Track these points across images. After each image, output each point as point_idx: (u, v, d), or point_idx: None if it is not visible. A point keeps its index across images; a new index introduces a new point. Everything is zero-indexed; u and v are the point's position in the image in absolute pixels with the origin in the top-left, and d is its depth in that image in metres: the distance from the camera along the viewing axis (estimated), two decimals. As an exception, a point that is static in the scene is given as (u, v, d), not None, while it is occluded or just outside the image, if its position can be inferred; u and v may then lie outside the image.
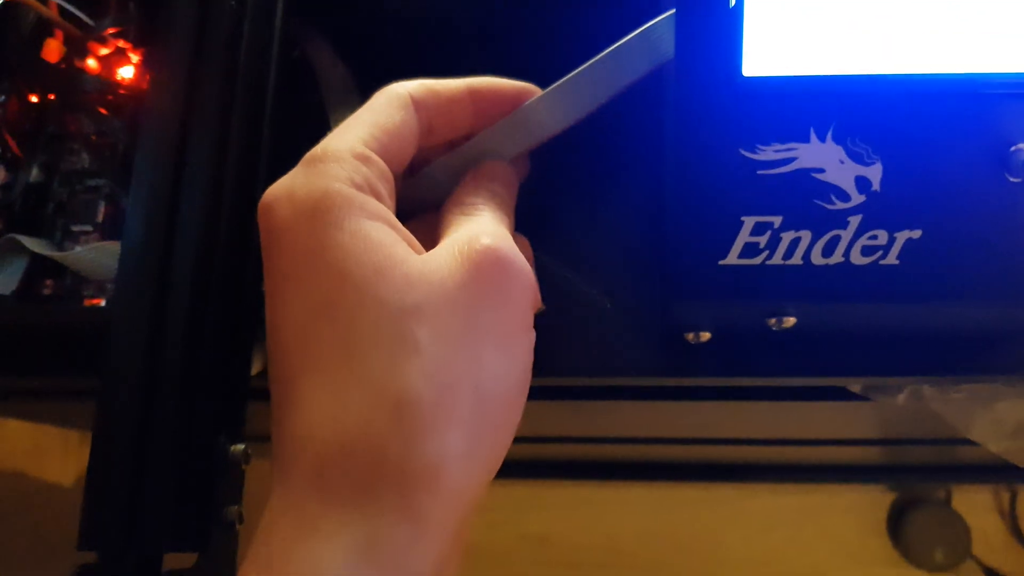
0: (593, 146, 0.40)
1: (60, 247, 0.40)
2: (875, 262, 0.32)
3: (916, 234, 0.32)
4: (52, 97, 0.43)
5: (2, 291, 0.38)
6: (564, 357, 0.39)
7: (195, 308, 0.33)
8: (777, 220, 0.32)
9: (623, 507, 0.97)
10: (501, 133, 0.34)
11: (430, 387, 0.26)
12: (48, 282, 0.40)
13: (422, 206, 0.33)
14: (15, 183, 0.41)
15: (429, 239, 0.30)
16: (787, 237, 0.32)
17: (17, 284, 0.39)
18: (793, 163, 0.32)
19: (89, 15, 0.42)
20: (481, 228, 0.30)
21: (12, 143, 0.42)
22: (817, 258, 0.32)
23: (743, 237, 0.32)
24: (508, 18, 0.44)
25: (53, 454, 0.88)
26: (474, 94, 0.33)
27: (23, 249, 0.39)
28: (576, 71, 0.33)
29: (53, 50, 0.42)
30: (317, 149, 0.29)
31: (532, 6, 0.44)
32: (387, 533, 0.25)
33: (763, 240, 0.32)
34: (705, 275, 0.32)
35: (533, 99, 0.34)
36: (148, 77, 0.42)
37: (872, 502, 0.96)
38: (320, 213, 0.27)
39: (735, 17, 0.32)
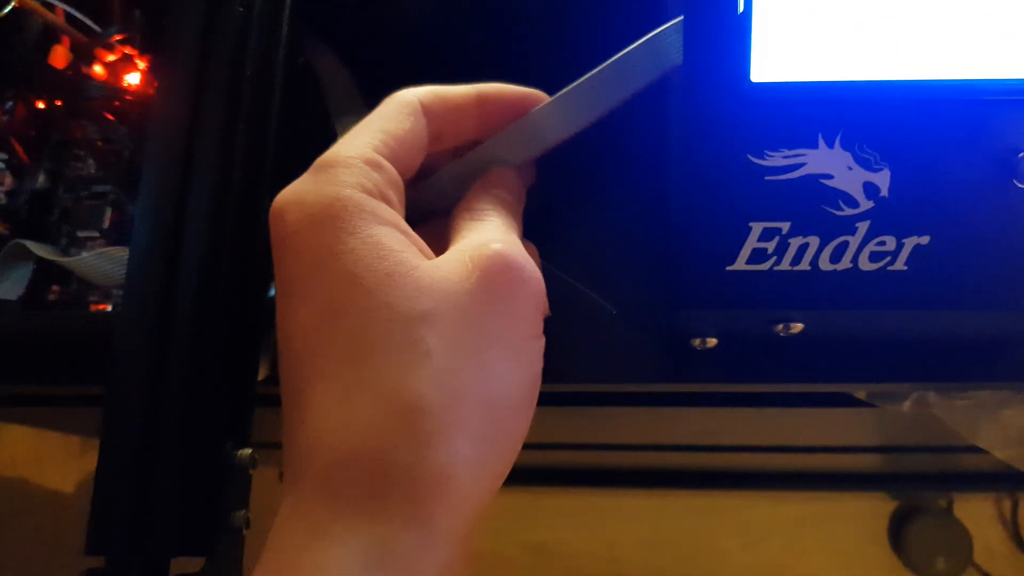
0: (599, 152, 0.40)
1: (66, 253, 0.40)
2: (883, 268, 0.32)
3: (924, 240, 0.32)
4: (58, 103, 0.43)
5: (8, 296, 0.38)
6: (569, 363, 0.39)
7: (201, 314, 0.33)
8: (785, 226, 0.32)
9: (623, 515, 0.97)
10: (508, 140, 0.34)
11: (440, 394, 0.26)
12: (54, 288, 0.40)
13: (430, 213, 0.33)
14: (21, 189, 0.41)
15: (438, 245, 0.30)
16: (795, 243, 0.32)
17: (23, 290, 0.39)
18: (801, 169, 0.32)
19: (95, 22, 0.42)
20: (491, 234, 0.30)
21: (19, 149, 0.42)
22: (825, 264, 0.32)
23: (751, 243, 0.32)
24: (513, 25, 0.44)
25: (55, 461, 0.88)
26: (482, 100, 0.33)
27: (29, 255, 0.39)
28: (584, 77, 0.33)
29: (60, 56, 0.42)
30: (327, 155, 0.29)
31: (537, 13, 0.44)
32: (396, 539, 0.25)
33: (771, 246, 0.32)
34: (713, 281, 0.32)
35: (541, 106, 0.34)
36: (154, 84, 0.42)
37: (873, 510, 0.96)
38: (331, 219, 0.27)
39: (743, 23, 0.32)
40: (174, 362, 0.32)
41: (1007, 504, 0.94)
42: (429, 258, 0.29)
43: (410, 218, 0.30)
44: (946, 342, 0.37)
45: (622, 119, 0.35)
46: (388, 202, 0.29)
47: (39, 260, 0.39)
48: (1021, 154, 0.31)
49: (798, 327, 0.34)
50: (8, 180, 0.42)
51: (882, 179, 0.32)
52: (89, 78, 0.42)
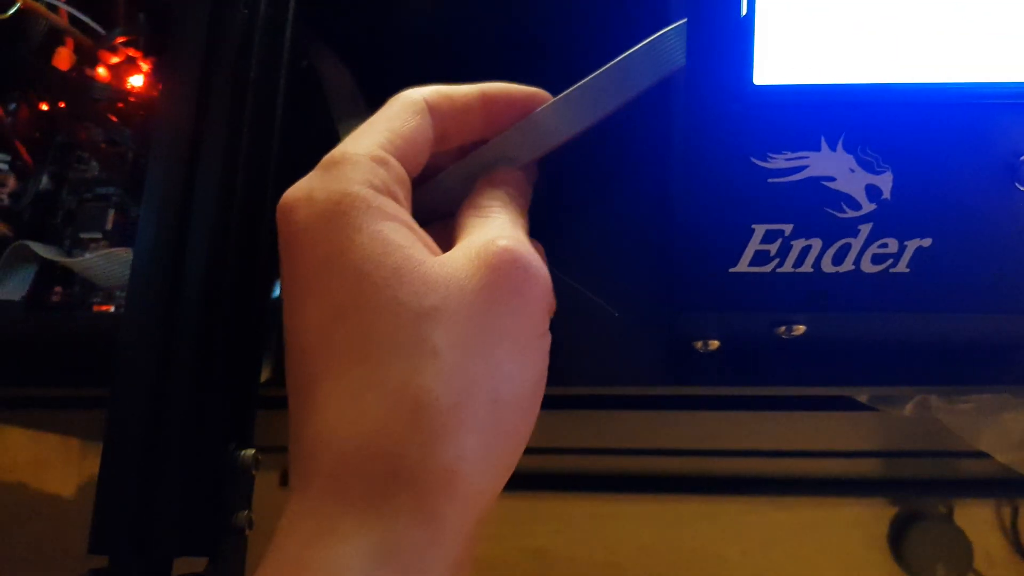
0: (601, 155, 0.40)
1: (69, 255, 0.40)
2: (885, 270, 0.32)
3: (926, 242, 0.32)
4: (62, 105, 0.43)
5: (12, 297, 0.38)
6: (571, 365, 0.39)
7: (205, 315, 0.33)
8: (788, 228, 0.32)
9: (623, 521, 0.97)
10: (513, 139, 0.34)
11: (447, 391, 0.26)
12: (57, 289, 0.40)
13: (436, 214, 0.34)
14: (25, 191, 0.42)
15: (444, 245, 0.30)
16: (798, 245, 0.32)
17: (27, 291, 0.39)
18: (804, 171, 0.32)
19: (99, 24, 0.42)
20: (498, 230, 0.30)
21: (23, 151, 0.42)
22: (827, 266, 0.32)
23: (754, 245, 0.32)
24: (514, 29, 0.44)
25: (54, 464, 0.88)
26: (487, 99, 0.33)
27: (33, 256, 0.39)
28: (587, 78, 0.33)
29: (64, 58, 0.42)
30: (335, 152, 0.29)
31: (539, 16, 0.44)
32: (404, 536, 0.25)
33: (774, 248, 0.32)
34: (715, 283, 0.33)
35: (545, 105, 0.34)
36: (158, 86, 0.42)
37: (873, 517, 0.96)
38: (339, 215, 0.28)
39: (746, 26, 0.32)
40: (178, 363, 0.32)
41: (1007, 511, 0.94)
42: (436, 255, 0.29)
43: (416, 219, 0.30)
44: (948, 345, 0.37)
45: (623, 121, 0.35)
46: (395, 199, 0.29)
47: (42, 261, 0.39)
48: (1022, 157, 0.32)
49: (800, 329, 0.34)
50: (12, 182, 0.42)
51: (884, 182, 0.32)
52: (93, 80, 0.42)
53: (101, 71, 0.42)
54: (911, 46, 0.32)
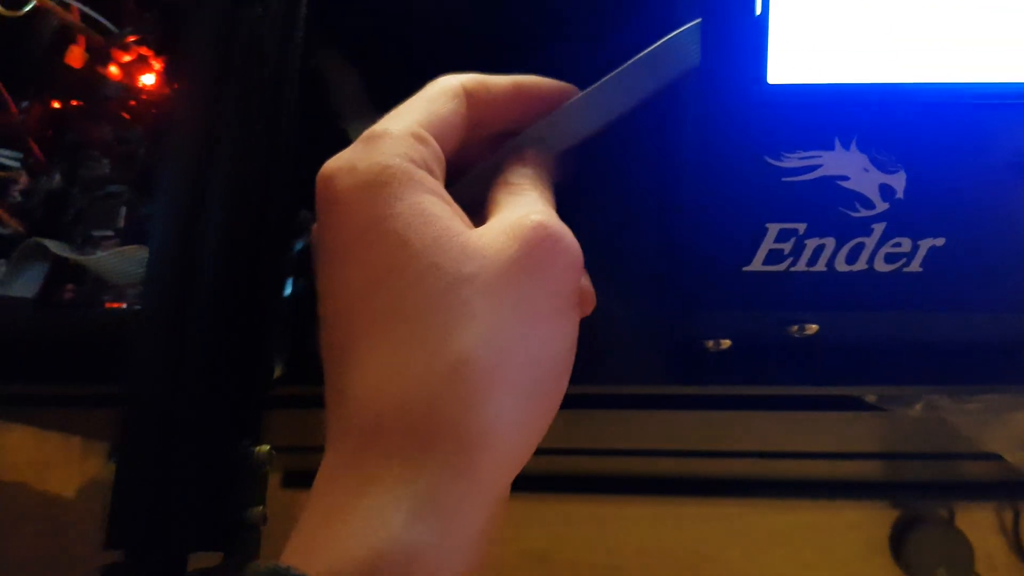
0: (612, 153, 0.40)
1: (80, 252, 0.40)
2: (898, 270, 0.32)
3: (939, 242, 0.32)
4: (74, 104, 0.43)
5: (24, 294, 0.38)
6: (580, 364, 0.39)
7: (219, 312, 0.33)
8: (801, 227, 0.32)
9: (624, 523, 0.97)
10: (540, 131, 0.35)
11: (486, 352, 0.27)
12: (69, 287, 0.40)
13: (470, 208, 0.34)
14: (37, 189, 0.42)
15: (476, 224, 0.31)
16: (811, 244, 0.32)
17: (38, 288, 0.39)
18: (818, 170, 0.32)
19: (111, 22, 0.42)
20: (529, 206, 0.31)
21: (35, 149, 0.42)
22: (841, 265, 0.32)
23: (767, 244, 0.32)
24: (524, 29, 0.45)
25: (56, 464, 0.88)
26: (519, 90, 0.35)
27: (45, 253, 0.39)
28: (606, 77, 0.34)
29: (76, 56, 0.42)
30: (376, 128, 0.30)
31: (550, 16, 0.44)
32: (444, 487, 0.26)
33: (787, 247, 0.32)
34: (729, 282, 0.33)
35: (569, 102, 0.34)
36: (170, 85, 0.42)
37: (874, 520, 0.96)
38: (380, 185, 0.28)
39: (761, 25, 0.33)
40: (193, 360, 0.32)
41: (1008, 514, 0.94)
42: (471, 229, 0.30)
43: None
44: (960, 344, 0.37)
45: (635, 120, 0.35)
46: (432, 174, 0.30)
47: (54, 259, 0.39)
48: (1037, 157, 0.32)
49: (813, 328, 0.34)
50: (24, 179, 0.42)
51: (898, 181, 0.32)
52: (105, 78, 0.42)
53: (113, 69, 0.42)
54: (925, 46, 0.32)
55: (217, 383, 0.32)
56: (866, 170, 0.32)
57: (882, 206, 0.32)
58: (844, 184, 0.32)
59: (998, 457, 0.46)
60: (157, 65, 0.43)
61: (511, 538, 0.97)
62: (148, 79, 0.43)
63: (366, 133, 0.30)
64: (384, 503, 0.25)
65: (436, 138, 0.31)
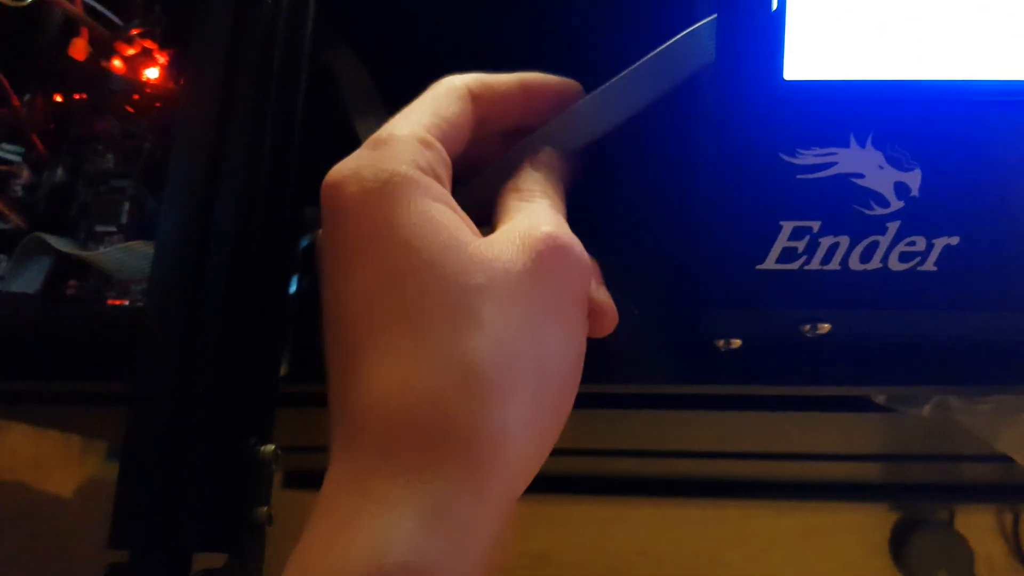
0: (623, 150, 0.40)
1: (84, 248, 0.40)
2: (913, 268, 0.32)
3: (954, 241, 0.32)
4: (77, 97, 0.43)
5: (26, 289, 0.38)
6: (589, 363, 0.39)
7: (228, 310, 0.33)
8: (816, 225, 0.32)
9: (624, 525, 0.97)
10: (553, 131, 0.34)
11: (495, 358, 0.27)
12: (72, 282, 0.39)
13: (478, 210, 0.33)
14: (40, 183, 0.41)
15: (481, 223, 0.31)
16: (825, 242, 0.32)
17: (41, 283, 0.39)
18: (833, 168, 0.32)
19: (116, 15, 0.42)
20: (540, 216, 0.30)
21: (38, 142, 0.41)
22: (855, 263, 0.32)
23: (781, 242, 0.32)
24: (535, 26, 0.44)
25: (54, 463, 0.87)
26: (525, 88, 0.34)
27: (48, 248, 0.39)
28: (622, 74, 0.34)
29: (80, 49, 0.42)
30: (382, 132, 0.30)
31: (561, 16, 0.44)
32: (452, 501, 0.25)
33: (801, 245, 0.32)
34: (741, 280, 0.32)
35: (581, 100, 0.34)
36: (175, 78, 0.42)
37: (874, 522, 0.96)
38: (387, 193, 0.28)
39: (777, 21, 0.32)
40: (200, 358, 0.32)
41: (1008, 517, 0.94)
42: (478, 237, 0.29)
43: None
44: (974, 344, 0.36)
45: (647, 117, 0.35)
46: (439, 180, 0.30)
47: (57, 254, 0.39)
48: (1054, 155, 0.31)
49: (825, 327, 0.34)
50: (25, 174, 0.41)
51: (913, 179, 0.32)
52: (109, 71, 0.42)
53: (117, 62, 0.42)
54: (942, 43, 0.32)
55: (224, 381, 0.32)
56: (881, 168, 0.32)
57: (897, 204, 0.32)
58: (859, 182, 0.32)
59: (999, 460, 0.46)
60: (161, 59, 0.43)
61: (511, 540, 0.96)
62: (153, 72, 0.42)
63: (372, 138, 0.30)
64: (390, 522, 0.25)
65: (442, 141, 0.31)
